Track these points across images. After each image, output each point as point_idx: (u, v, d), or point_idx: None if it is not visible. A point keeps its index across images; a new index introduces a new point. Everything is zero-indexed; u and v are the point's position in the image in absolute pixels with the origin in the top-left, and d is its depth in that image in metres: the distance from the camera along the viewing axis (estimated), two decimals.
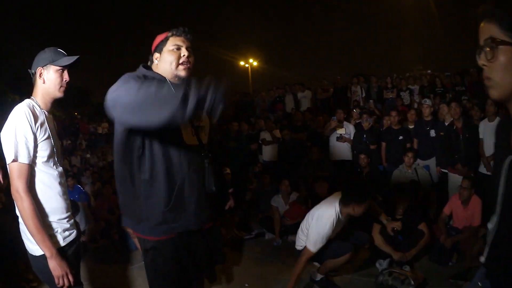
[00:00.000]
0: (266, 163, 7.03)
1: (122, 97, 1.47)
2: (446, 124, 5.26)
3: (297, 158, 6.61)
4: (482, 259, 1.25)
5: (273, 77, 24.36)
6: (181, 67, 1.88)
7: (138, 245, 4.15)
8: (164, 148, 1.82)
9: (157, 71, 1.91)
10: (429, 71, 14.59)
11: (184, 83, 1.83)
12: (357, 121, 6.81)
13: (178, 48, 1.89)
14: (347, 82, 10.36)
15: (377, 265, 3.86)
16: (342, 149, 6.35)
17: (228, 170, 6.09)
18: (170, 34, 1.92)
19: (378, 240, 3.98)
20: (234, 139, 7.20)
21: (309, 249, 3.19)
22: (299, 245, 3.49)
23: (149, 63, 1.98)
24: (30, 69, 1.98)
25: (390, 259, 3.83)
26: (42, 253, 1.85)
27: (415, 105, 8.13)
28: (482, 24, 0.99)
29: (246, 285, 3.68)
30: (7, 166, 1.82)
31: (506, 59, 0.94)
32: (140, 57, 2.29)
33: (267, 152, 7.16)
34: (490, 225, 1.22)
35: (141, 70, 1.89)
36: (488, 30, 0.97)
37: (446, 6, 16.73)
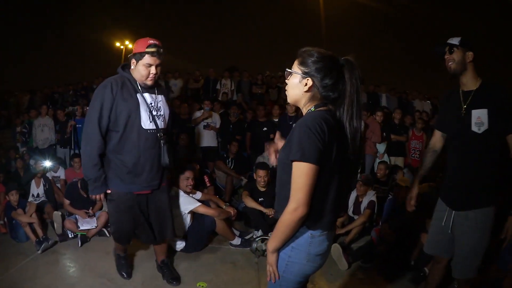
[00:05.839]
0: None
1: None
2: None
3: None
4: None
5: None
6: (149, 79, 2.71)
7: (30, 235, 4.03)
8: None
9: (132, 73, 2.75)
10: None
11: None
12: (221, 112, 7.24)
13: (149, 66, 2.66)
14: (220, 75, 10.60)
15: (252, 235, 4.25)
16: (208, 137, 6.62)
17: None
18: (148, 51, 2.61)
19: (250, 202, 4.49)
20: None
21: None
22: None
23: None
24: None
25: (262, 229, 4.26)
26: None
27: (282, 102, 8.78)
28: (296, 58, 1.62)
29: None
30: None
31: (293, 81, 1.64)
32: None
33: None
34: None
35: (119, 75, 2.77)
36: (295, 63, 1.63)
37: (329, 8, 18.28)
